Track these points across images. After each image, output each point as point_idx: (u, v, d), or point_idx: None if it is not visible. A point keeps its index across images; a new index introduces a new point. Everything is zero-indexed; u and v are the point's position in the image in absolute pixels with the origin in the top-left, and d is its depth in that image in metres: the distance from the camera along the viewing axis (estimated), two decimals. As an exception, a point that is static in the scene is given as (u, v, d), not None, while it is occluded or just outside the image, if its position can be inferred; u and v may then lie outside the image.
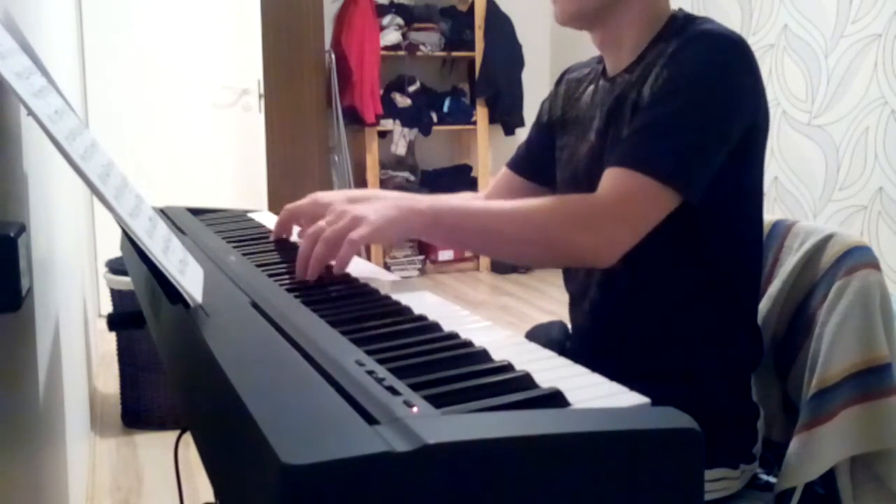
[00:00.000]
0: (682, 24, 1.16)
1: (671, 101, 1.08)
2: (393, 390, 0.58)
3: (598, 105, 1.24)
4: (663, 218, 1.07)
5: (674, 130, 1.07)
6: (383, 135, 5.19)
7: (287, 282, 0.98)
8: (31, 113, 0.70)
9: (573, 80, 1.35)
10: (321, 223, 0.99)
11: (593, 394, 0.61)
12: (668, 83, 1.09)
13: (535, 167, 1.39)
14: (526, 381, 0.63)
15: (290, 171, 4.74)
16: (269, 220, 1.51)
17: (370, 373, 0.62)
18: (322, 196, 1.26)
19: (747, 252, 1.19)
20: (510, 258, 1.15)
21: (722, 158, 1.09)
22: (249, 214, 1.55)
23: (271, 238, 1.30)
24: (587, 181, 1.22)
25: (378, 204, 1.01)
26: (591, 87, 1.28)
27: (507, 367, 0.66)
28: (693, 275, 1.16)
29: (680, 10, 1.21)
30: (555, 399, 0.59)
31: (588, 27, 1.22)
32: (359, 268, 1.06)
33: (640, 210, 1.05)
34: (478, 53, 5.23)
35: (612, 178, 1.07)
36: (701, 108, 1.07)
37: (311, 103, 4.84)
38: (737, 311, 1.19)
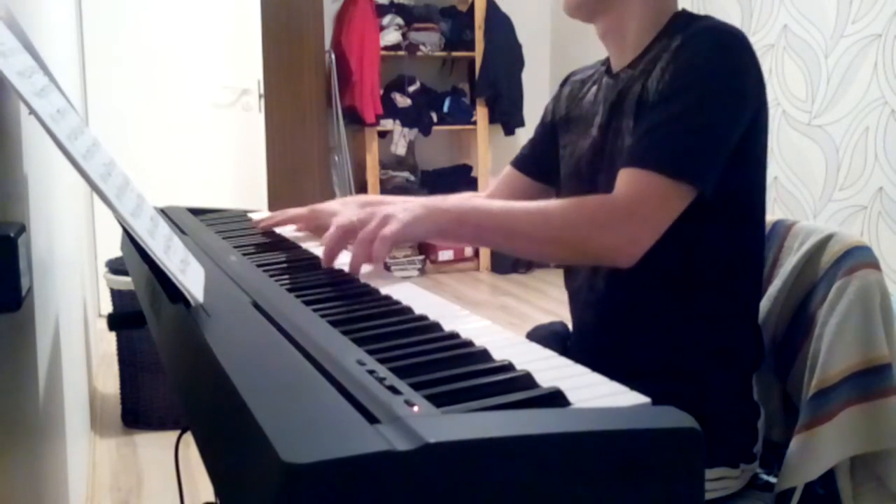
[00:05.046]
0: (686, 21, 1.18)
1: (679, 98, 1.09)
2: (394, 389, 0.58)
3: (601, 101, 1.25)
4: (680, 213, 1.08)
5: (683, 126, 1.08)
6: (383, 135, 5.18)
7: (287, 282, 0.98)
8: (32, 112, 0.71)
9: (577, 81, 1.38)
10: (352, 218, 1.04)
11: (594, 393, 0.61)
12: (674, 80, 1.10)
13: (539, 166, 1.41)
14: (526, 380, 0.63)
15: (290, 171, 4.74)
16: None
17: (371, 372, 0.62)
18: (321, 206, 1.37)
19: (749, 248, 1.19)
20: (533, 257, 1.18)
21: (732, 148, 1.10)
22: (249, 214, 1.55)
23: (258, 229, 1.37)
24: (589, 175, 1.24)
25: (405, 203, 1.06)
26: (595, 87, 1.30)
27: (508, 367, 0.66)
28: (694, 271, 1.16)
29: (684, 10, 1.22)
30: (555, 399, 0.59)
31: (592, 16, 1.25)
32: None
33: (657, 208, 1.06)
34: (478, 53, 5.22)
35: (627, 179, 1.08)
36: (708, 102, 1.09)
37: (311, 103, 4.83)
38: (738, 309, 1.19)
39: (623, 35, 1.22)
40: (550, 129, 1.38)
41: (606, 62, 1.30)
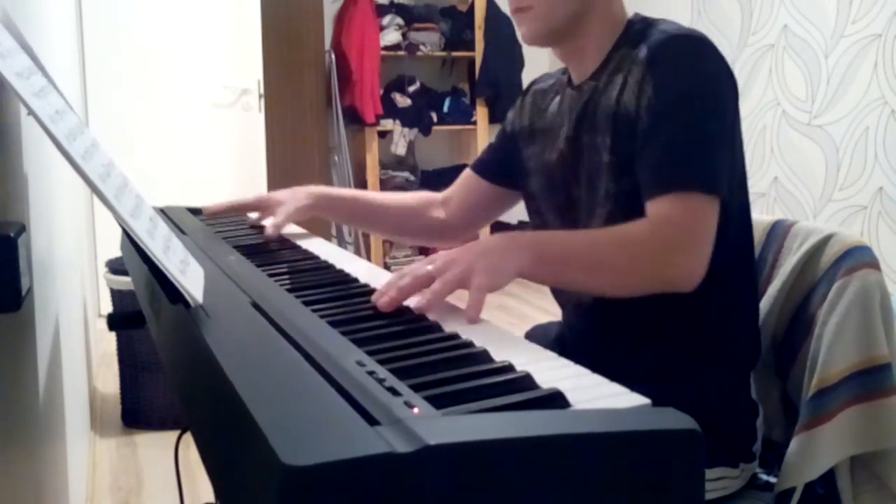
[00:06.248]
0: (641, 27, 1.19)
1: (677, 114, 1.10)
2: (394, 391, 0.58)
3: (565, 113, 1.25)
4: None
5: (695, 141, 1.09)
6: (383, 135, 5.18)
7: (287, 282, 0.98)
8: (31, 113, 0.70)
9: (539, 91, 1.37)
10: (429, 268, 0.93)
11: (594, 395, 0.61)
12: (662, 95, 1.11)
13: (497, 172, 1.42)
14: (526, 381, 0.63)
15: (290, 171, 4.73)
16: (269, 221, 1.51)
17: (371, 373, 0.62)
18: (270, 194, 1.43)
19: (737, 242, 1.19)
20: (610, 291, 1.08)
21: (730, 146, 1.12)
22: (249, 214, 1.55)
23: (206, 214, 1.50)
24: (564, 189, 1.25)
25: (478, 248, 0.96)
26: (558, 98, 1.30)
27: (508, 368, 0.66)
28: None
29: (636, 14, 1.23)
30: (555, 400, 0.59)
31: (554, 44, 1.24)
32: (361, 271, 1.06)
33: (707, 226, 1.07)
34: (478, 53, 5.22)
35: (669, 205, 1.07)
36: (704, 113, 1.10)
37: (311, 103, 4.83)
38: (732, 307, 1.19)
39: (582, 52, 1.23)
40: (510, 138, 1.39)
41: (566, 71, 1.30)
